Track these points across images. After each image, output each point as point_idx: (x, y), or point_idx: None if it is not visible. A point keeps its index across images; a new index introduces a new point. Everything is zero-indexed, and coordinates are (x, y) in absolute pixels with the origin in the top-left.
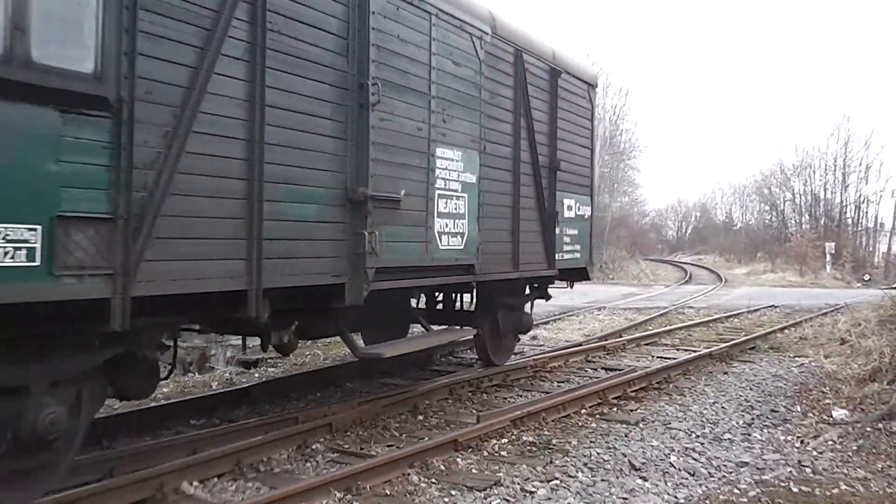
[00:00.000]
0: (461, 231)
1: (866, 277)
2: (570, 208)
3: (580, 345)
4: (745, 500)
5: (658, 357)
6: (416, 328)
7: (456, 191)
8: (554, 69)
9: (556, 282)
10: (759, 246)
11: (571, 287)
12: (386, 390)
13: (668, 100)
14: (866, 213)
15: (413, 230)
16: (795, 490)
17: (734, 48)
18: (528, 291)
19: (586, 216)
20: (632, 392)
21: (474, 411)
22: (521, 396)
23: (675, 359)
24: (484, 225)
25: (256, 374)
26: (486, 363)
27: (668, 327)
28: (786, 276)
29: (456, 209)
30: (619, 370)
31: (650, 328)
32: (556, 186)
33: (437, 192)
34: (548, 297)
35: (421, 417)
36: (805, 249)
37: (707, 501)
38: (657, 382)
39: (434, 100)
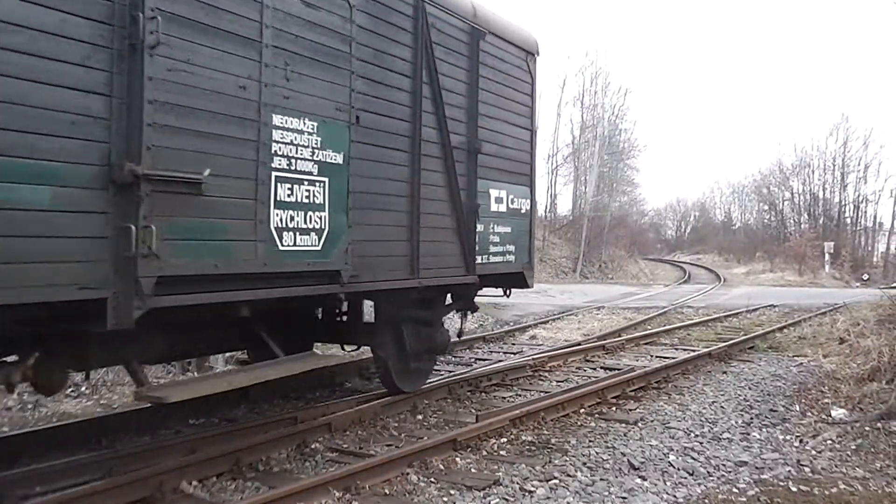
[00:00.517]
0: (318, 227)
1: (865, 277)
2: (499, 201)
3: (579, 344)
4: (744, 499)
5: (657, 356)
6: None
7: (309, 174)
8: (475, 29)
9: (498, 288)
10: (757, 245)
11: (508, 295)
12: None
13: (667, 99)
14: (865, 212)
15: (231, 225)
16: (794, 489)
17: (733, 47)
18: (450, 301)
19: (523, 210)
20: (631, 391)
21: (473, 411)
22: (520, 396)
23: (674, 358)
24: (358, 219)
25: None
26: (391, 390)
27: (667, 327)
28: (785, 276)
29: (309, 198)
30: (618, 370)
31: (649, 328)
32: (477, 173)
33: (276, 174)
34: (474, 309)
35: (420, 417)
36: (804, 249)
37: (706, 501)
38: (656, 382)
39: (269, 50)
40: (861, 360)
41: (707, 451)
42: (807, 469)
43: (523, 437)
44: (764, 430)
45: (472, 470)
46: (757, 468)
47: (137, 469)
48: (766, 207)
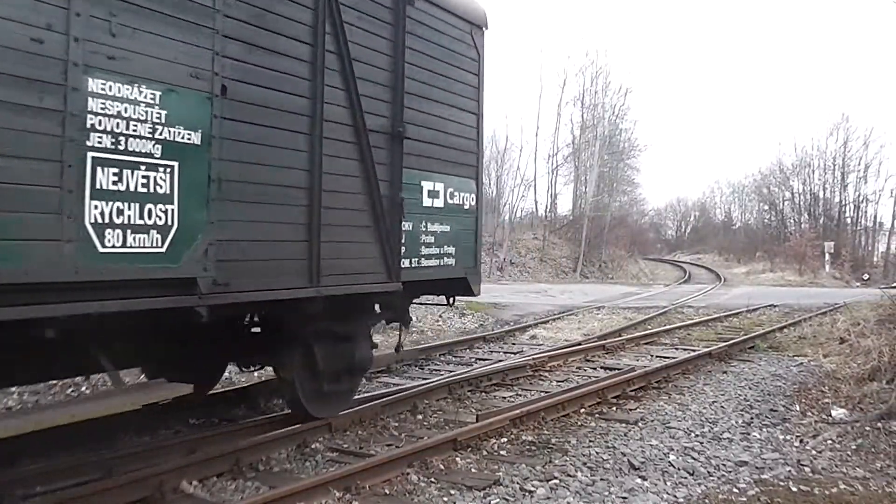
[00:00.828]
0: (161, 223)
1: (865, 277)
2: (433, 194)
3: (579, 344)
4: (745, 499)
5: (657, 356)
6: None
7: (148, 156)
8: None
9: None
10: (758, 245)
11: (451, 303)
12: (385, 390)
13: (667, 98)
14: (865, 212)
15: (20, 221)
16: (794, 489)
17: (734, 47)
18: (378, 310)
19: (468, 206)
20: (631, 391)
21: (474, 410)
22: (520, 396)
23: (674, 358)
24: (228, 213)
25: (256, 374)
26: (303, 416)
27: (667, 326)
28: (785, 276)
29: (148, 186)
30: (619, 369)
31: (649, 327)
32: (403, 162)
33: (94, 155)
34: (406, 322)
35: (420, 417)
36: (804, 249)
37: (706, 500)
38: (656, 382)
39: None
40: (861, 360)
41: (707, 450)
42: (807, 469)
43: (523, 437)
44: (764, 429)
45: (473, 470)
46: (757, 468)
47: (137, 469)
48: (766, 207)
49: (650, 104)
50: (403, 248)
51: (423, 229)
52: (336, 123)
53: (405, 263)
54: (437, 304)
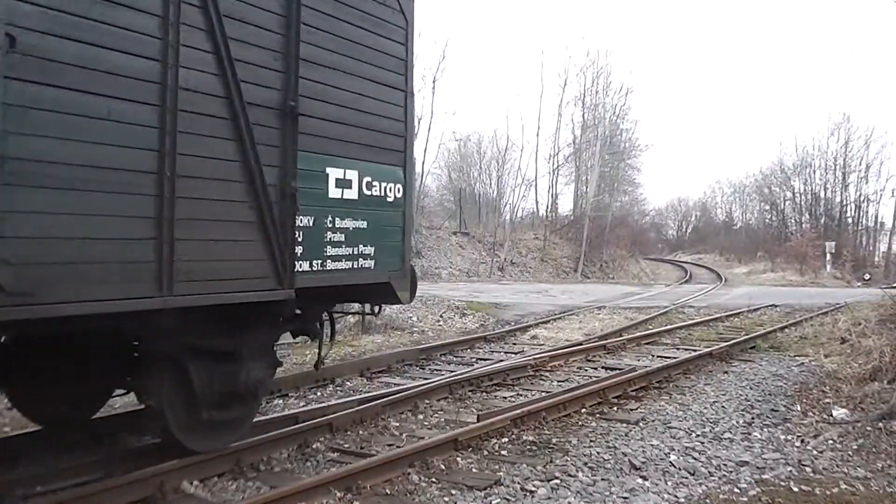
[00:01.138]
0: None
1: (866, 277)
2: (344, 184)
3: (580, 344)
4: (746, 499)
5: (658, 356)
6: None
7: None
8: None
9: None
10: (759, 245)
11: (377, 313)
12: (386, 390)
13: (668, 98)
14: (866, 212)
15: None
16: (795, 489)
17: (735, 47)
18: (280, 323)
19: (392, 198)
20: (632, 391)
21: (474, 410)
22: (521, 396)
23: (675, 358)
24: (23, 202)
25: None
26: (178, 450)
27: (668, 326)
28: (786, 276)
29: None
30: (620, 369)
31: (650, 327)
32: (297, 144)
33: None
34: (313, 335)
35: (421, 416)
36: (805, 249)
37: (707, 500)
38: (657, 382)
39: None
40: (862, 360)
41: (708, 450)
42: (808, 469)
43: (524, 437)
44: (765, 429)
45: (474, 470)
46: (758, 468)
47: (138, 468)
48: (767, 207)
49: (651, 104)
50: (300, 249)
51: (330, 225)
52: (200, 94)
53: (303, 266)
54: (436, 305)
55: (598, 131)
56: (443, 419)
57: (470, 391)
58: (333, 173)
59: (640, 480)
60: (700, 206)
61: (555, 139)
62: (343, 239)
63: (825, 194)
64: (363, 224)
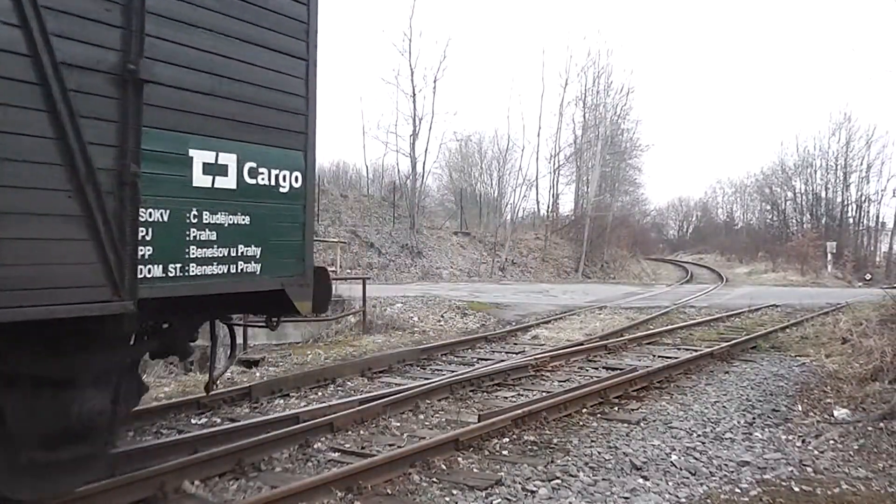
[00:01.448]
0: None
1: (867, 277)
2: (216, 170)
3: (581, 344)
4: (747, 499)
5: (659, 356)
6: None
7: None
8: None
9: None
10: (760, 245)
11: (273, 327)
12: (387, 390)
13: (669, 98)
14: (867, 212)
15: None
16: (797, 489)
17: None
18: (137, 342)
19: (287, 189)
20: (633, 391)
21: (475, 410)
22: (522, 396)
23: (676, 358)
24: None
25: (258, 373)
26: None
27: (669, 326)
28: (787, 276)
29: None
30: (621, 370)
31: (651, 327)
32: (143, 118)
33: None
34: (183, 355)
35: (422, 417)
36: (806, 249)
37: (708, 501)
38: (658, 382)
39: None
40: (863, 360)
41: (709, 450)
42: (809, 469)
43: (525, 437)
44: (766, 429)
45: (475, 470)
46: (759, 468)
47: (139, 469)
48: (768, 207)
49: (652, 104)
50: (149, 249)
51: (194, 221)
52: None
53: (154, 272)
54: (437, 305)
55: (599, 131)
56: (444, 419)
57: (471, 391)
58: (199, 156)
59: (641, 480)
60: (701, 206)
61: (556, 139)
62: (214, 238)
63: (826, 194)
64: (244, 219)
